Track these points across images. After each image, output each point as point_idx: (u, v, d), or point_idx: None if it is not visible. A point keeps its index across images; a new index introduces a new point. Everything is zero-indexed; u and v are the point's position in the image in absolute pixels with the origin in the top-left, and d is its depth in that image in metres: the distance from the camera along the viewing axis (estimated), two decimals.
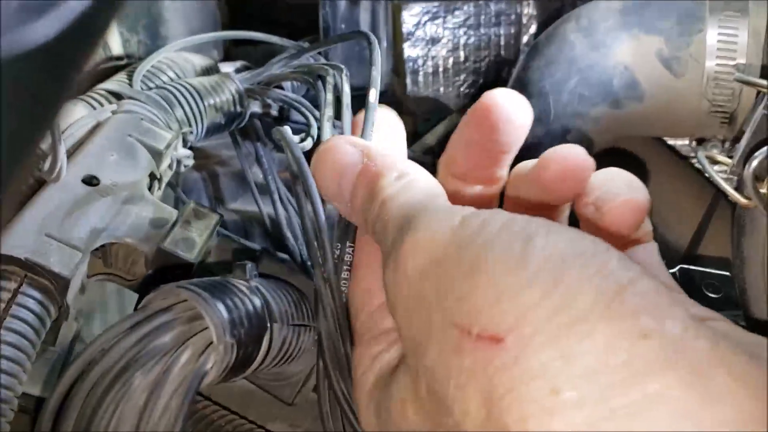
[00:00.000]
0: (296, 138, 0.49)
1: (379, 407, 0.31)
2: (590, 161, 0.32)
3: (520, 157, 0.70)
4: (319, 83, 0.53)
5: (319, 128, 0.49)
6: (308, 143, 0.52)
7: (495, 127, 0.33)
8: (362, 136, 0.37)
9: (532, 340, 0.22)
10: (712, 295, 0.58)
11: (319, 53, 0.65)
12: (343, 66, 0.52)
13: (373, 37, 0.45)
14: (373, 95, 0.39)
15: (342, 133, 0.42)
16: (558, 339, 0.22)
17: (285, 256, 0.66)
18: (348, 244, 0.37)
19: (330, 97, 0.48)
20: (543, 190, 0.33)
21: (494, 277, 0.24)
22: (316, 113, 0.56)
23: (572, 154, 0.32)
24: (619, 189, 0.33)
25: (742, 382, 0.21)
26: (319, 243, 0.36)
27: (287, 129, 0.41)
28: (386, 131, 0.37)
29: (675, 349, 0.21)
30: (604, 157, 0.72)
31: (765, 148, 0.42)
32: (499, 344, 0.23)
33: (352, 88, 0.75)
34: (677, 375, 0.21)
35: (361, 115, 0.38)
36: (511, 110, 0.33)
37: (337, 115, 0.51)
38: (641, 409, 0.20)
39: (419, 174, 0.32)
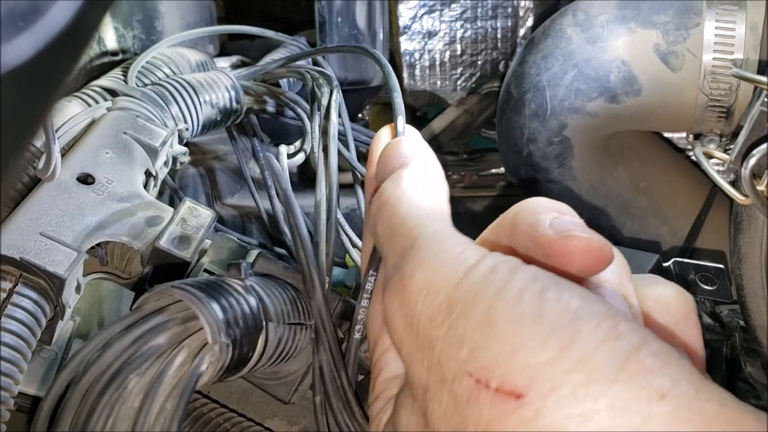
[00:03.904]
0: (291, 148, 0.49)
1: None
2: (612, 253, 0.29)
3: (514, 149, 0.70)
4: (314, 108, 0.52)
5: (311, 149, 0.50)
6: (300, 158, 0.51)
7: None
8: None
9: (551, 396, 0.23)
10: (707, 288, 0.58)
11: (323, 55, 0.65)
12: (335, 83, 0.52)
13: (384, 60, 0.44)
14: (401, 123, 0.39)
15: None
16: (576, 396, 0.23)
17: (282, 251, 0.66)
18: (371, 272, 0.37)
19: (324, 123, 0.49)
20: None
21: (509, 330, 0.25)
22: (308, 110, 0.56)
23: (597, 248, 0.29)
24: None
25: None
26: (311, 275, 0.37)
27: (275, 159, 0.41)
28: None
29: (688, 410, 0.22)
30: (601, 151, 0.72)
31: (762, 146, 0.42)
32: (519, 399, 0.23)
33: (348, 83, 0.75)
34: (679, 402, 0.22)
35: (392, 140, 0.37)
36: (591, 263, 0.29)
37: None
38: None
39: (428, 191, 0.32)
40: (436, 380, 0.26)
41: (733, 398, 0.23)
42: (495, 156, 0.83)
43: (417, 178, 0.33)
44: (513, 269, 0.26)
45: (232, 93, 0.59)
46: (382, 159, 0.35)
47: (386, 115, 0.86)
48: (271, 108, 0.62)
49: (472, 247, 0.28)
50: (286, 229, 0.64)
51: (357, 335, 0.38)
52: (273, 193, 0.63)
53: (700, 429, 0.22)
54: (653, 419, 0.22)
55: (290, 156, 0.48)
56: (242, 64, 0.70)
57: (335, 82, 0.52)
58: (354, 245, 0.53)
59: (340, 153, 0.49)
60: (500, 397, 0.24)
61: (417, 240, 0.29)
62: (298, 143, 0.50)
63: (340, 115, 0.53)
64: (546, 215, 0.30)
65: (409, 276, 0.28)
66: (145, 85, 0.57)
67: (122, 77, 0.57)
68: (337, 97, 0.50)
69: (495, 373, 0.24)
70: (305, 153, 0.50)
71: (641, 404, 0.22)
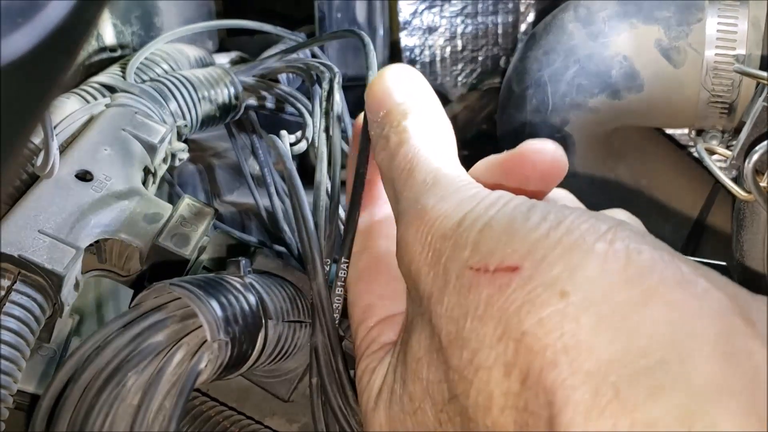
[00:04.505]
0: (292, 138, 0.49)
1: (390, 401, 0.33)
2: (565, 157, 0.35)
3: (515, 145, 0.70)
4: (314, 88, 0.52)
5: (314, 134, 0.49)
6: (302, 145, 0.51)
7: (527, 181, 0.34)
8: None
9: (543, 261, 0.26)
10: None
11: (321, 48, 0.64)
12: (336, 69, 0.51)
13: (367, 39, 0.44)
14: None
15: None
16: (563, 257, 0.26)
17: (282, 248, 0.66)
18: (343, 260, 0.37)
19: (324, 105, 0.48)
20: (516, 181, 0.35)
21: (504, 228, 0.28)
22: (311, 107, 0.55)
23: (551, 152, 0.35)
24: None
25: (716, 286, 0.25)
26: (312, 257, 0.38)
27: (278, 139, 0.41)
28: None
29: (663, 262, 0.26)
30: (603, 147, 0.72)
31: (765, 142, 0.42)
32: (516, 271, 0.27)
33: (348, 79, 0.75)
34: (666, 279, 0.25)
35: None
36: (547, 167, 0.34)
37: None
38: (638, 304, 0.24)
39: (432, 134, 0.35)
40: (440, 286, 0.29)
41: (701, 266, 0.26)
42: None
43: (428, 126, 0.36)
44: (513, 197, 0.30)
45: (231, 89, 0.59)
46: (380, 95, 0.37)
47: None
48: (270, 104, 0.62)
49: (485, 189, 0.32)
50: (286, 227, 0.63)
51: None
52: (272, 190, 0.63)
53: (673, 274, 0.25)
54: (631, 267, 0.25)
55: (292, 145, 0.47)
56: (241, 60, 0.70)
57: (336, 69, 0.52)
58: None
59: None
60: (499, 275, 0.27)
61: (439, 180, 0.32)
62: (299, 133, 0.50)
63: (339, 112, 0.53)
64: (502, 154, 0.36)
65: (431, 207, 0.31)
66: (144, 81, 0.57)
67: (121, 73, 0.57)
68: (340, 80, 0.50)
69: (494, 258, 0.27)
70: (307, 141, 0.49)
71: (620, 255, 0.26)
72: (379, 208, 0.40)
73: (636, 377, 0.23)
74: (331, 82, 0.50)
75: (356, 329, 0.37)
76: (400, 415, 0.32)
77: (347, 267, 0.38)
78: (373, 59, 0.41)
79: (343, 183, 0.45)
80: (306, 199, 0.39)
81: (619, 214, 0.36)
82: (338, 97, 0.48)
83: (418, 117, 0.35)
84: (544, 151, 0.34)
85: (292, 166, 0.40)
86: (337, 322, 0.38)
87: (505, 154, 0.35)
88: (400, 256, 0.32)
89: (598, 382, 0.23)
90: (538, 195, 0.34)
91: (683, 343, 0.23)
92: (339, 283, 0.38)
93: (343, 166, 0.44)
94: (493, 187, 0.32)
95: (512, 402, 0.26)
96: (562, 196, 0.37)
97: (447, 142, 0.35)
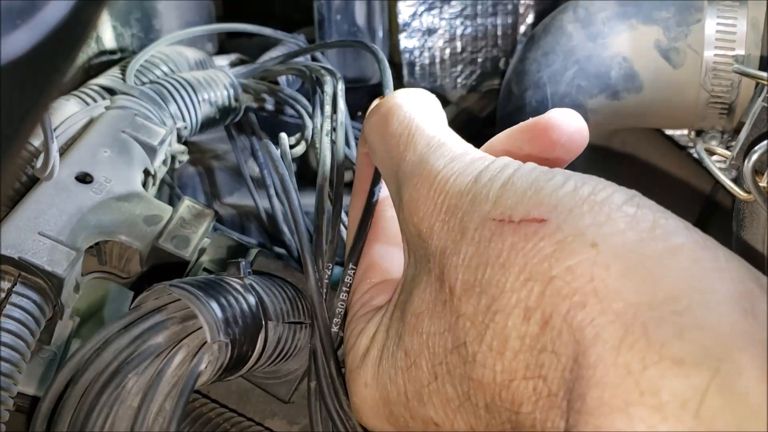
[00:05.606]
0: (291, 140, 0.48)
1: (380, 358, 0.34)
2: (587, 129, 0.36)
3: None
4: (317, 97, 0.52)
5: (314, 137, 0.49)
6: (301, 148, 0.51)
7: (553, 147, 0.35)
8: None
9: (571, 214, 0.27)
10: None
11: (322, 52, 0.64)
12: (339, 75, 0.51)
13: (381, 55, 0.44)
14: None
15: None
16: (591, 212, 0.27)
17: (282, 250, 0.66)
18: (350, 266, 0.37)
19: (328, 109, 0.48)
20: (540, 146, 0.35)
21: (529, 184, 0.29)
22: (310, 109, 0.55)
23: (575, 119, 0.35)
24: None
25: (734, 257, 0.27)
26: (305, 262, 0.38)
27: (273, 144, 0.41)
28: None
29: (687, 229, 0.27)
30: (602, 148, 0.72)
31: (764, 143, 0.42)
32: (543, 222, 0.27)
33: (347, 80, 0.75)
34: (691, 241, 0.26)
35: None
36: (573, 132, 0.35)
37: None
38: (665, 257, 0.25)
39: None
40: (455, 239, 0.30)
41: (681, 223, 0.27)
42: None
43: (420, 98, 0.36)
44: (522, 163, 0.31)
45: (231, 91, 0.59)
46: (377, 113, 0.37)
47: None
48: (270, 106, 0.62)
49: (489, 155, 0.33)
50: (285, 228, 0.63)
51: (335, 328, 0.38)
52: (272, 192, 0.63)
53: (686, 226, 0.27)
54: (660, 225, 0.26)
55: (291, 147, 0.47)
56: (241, 62, 0.70)
57: (339, 75, 0.52)
58: None
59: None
60: (524, 224, 0.28)
61: (444, 143, 0.33)
62: (298, 135, 0.50)
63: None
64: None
65: (443, 166, 0.32)
66: (144, 83, 0.57)
67: (120, 76, 0.57)
68: (343, 86, 0.50)
69: (518, 211, 0.28)
70: (306, 143, 0.49)
71: (648, 215, 0.27)
72: None
73: (663, 318, 0.24)
74: (334, 87, 0.50)
75: (353, 291, 0.38)
76: (390, 371, 0.33)
77: (353, 274, 0.38)
78: (389, 77, 0.41)
79: (345, 185, 0.45)
80: (300, 204, 0.39)
81: None
82: (342, 103, 0.48)
83: (410, 92, 0.36)
84: (570, 116, 0.35)
85: (285, 171, 0.40)
86: (339, 326, 0.38)
87: (529, 120, 0.35)
88: (407, 216, 0.33)
89: (627, 321, 0.24)
90: (555, 165, 0.35)
91: (707, 295, 0.24)
92: (344, 289, 0.38)
93: (345, 169, 0.45)
94: (499, 155, 0.32)
95: (528, 345, 0.27)
96: None
97: (440, 114, 0.36)
